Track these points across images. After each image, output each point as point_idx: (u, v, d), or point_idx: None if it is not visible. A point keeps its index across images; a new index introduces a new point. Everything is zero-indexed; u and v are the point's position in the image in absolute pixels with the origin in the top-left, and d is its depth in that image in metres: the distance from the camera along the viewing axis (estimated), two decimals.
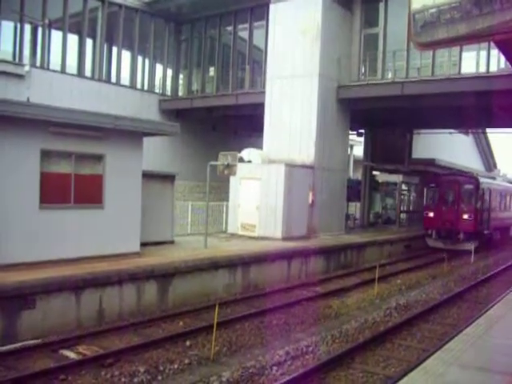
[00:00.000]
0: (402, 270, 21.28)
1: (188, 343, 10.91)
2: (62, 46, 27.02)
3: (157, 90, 32.67)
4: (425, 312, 13.86)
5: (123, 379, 8.90)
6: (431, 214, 27.95)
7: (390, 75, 24.75)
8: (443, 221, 27.29)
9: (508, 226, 35.79)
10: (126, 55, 30.94)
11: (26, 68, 24.62)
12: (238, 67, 30.38)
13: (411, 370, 7.62)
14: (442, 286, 17.96)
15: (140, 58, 31.83)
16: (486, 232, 28.79)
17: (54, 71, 26.51)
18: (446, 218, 27.21)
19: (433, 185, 28.82)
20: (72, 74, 27.46)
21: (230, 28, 30.97)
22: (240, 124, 32.64)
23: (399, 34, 23.53)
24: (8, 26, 26.15)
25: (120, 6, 29.42)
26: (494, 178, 35.77)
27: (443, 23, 3.28)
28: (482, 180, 28.69)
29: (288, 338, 11.59)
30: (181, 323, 12.48)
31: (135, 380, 8.92)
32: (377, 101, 24.28)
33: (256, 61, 29.56)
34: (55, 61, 26.91)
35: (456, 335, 9.46)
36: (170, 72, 33.34)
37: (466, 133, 45.77)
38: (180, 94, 33.52)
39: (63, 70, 26.99)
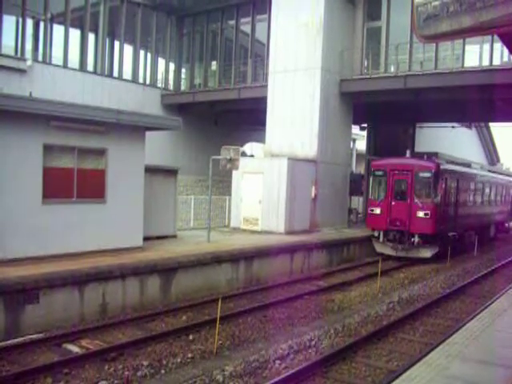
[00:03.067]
0: (405, 264, 21.26)
1: (191, 337, 10.93)
2: (64, 41, 27.01)
3: (159, 85, 32.65)
4: (427, 306, 13.86)
5: (126, 373, 8.88)
6: (377, 211, 22.05)
7: (392, 69, 24.66)
8: (392, 220, 21.73)
9: (487, 224, 30.59)
10: (128, 49, 30.92)
11: (29, 63, 24.64)
12: (240, 61, 30.31)
13: (414, 363, 7.63)
14: (444, 279, 17.96)
15: (142, 53, 31.81)
16: (451, 234, 22.65)
17: (56, 66, 26.50)
18: (396, 216, 21.63)
19: (379, 172, 22.48)
20: (74, 69, 27.46)
21: (232, 22, 30.92)
22: (242, 118, 32.61)
23: (402, 27, 23.46)
24: (10, 20, 26.13)
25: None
26: (469, 166, 28.51)
27: (446, 16, 3.26)
28: (444, 165, 22.76)
29: (291, 331, 11.61)
30: (184, 317, 12.49)
31: (138, 374, 8.94)
32: (379, 94, 24.22)
33: (258, 55, 29.51)
34: (57, 55, 26.90)
35: (459, 329, 9.46)
36: (172, 66, 33.31)
37: (469, 126, 45.67)
38: (182, 88, 33.50)
39: (65, 65, 26.98)
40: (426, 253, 21.38)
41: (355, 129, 32.97)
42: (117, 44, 30.43)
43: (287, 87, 23.72)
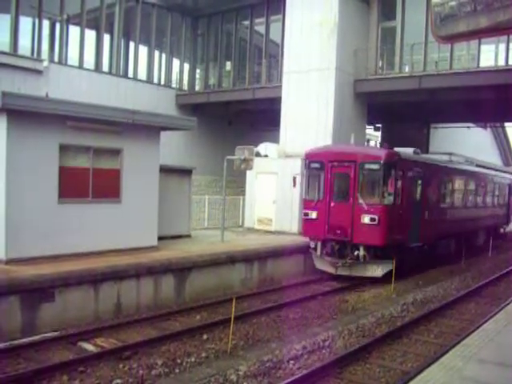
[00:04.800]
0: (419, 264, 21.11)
1: (205, 337, 10.97)
2: (80, 42, 27.20)
3: (173, 85, 32.76)
4: (442, 307, 13.79)
5: (141, 371, 8.95)
6: (313, 215, 17.37)
7: (407, 69, 24.54)
8: (331, 227, 16.92)
9: (473, 230, 25.38)
10: (143, 50, 31.06)
11: (45, 63, 24.83)
12: (254, 61, 30.33)
13: (429, 364, 7.59)
14: (459, 281, 17.84)
15: (157, 53, 31.94)
16: (413, 245, 18.11)
17: (71, 66, 26.69)
18: (336, 222, 16.81)
19: (315, 164, 17.80)
20: (90, 69, 27.63)
21: (246, 22, 30.95)
22: (257, 118, 32.62)
23: (417, 27, 23.35)
24: (27, 21, 26.35)
25: (137, 0, 29.53)
26: (449, 159, 24.22)
27: (463, 16, 3.26)
28: (401, 155, 17.60)
29: (305, 332, 11.60)
30: (198, 317, 12.54)
31: (153, 372, 8.99)
32: (394, 95, 24.11)
33: (272, 55, 29.50)
34: (73, 56, 27.09)
35: (474, 330, 9.40)
36: (186, 66, 33.41)
37: (484, 127, 45.30)
38: (197, 88, 33.58)
39: (81, 66, 27.16)
40: (376, 271, 16.74)
41: (369, 129, 32.84)
42: (132, 45, 30.59)
43: (301, 87, 23.69)
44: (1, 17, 25.72)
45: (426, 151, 31.90)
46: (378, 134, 34.54)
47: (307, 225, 17.89)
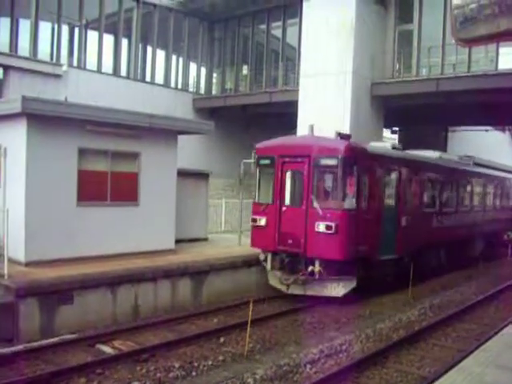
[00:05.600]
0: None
1: (222, 340, 10.98)
2: (98, 46, 27.44)
3: (191, 89, 32.92)
4: (460, 312, 13.67)
5: (158, 374, 9.00)
6: (262, 222, 14.76)
7: (424, 72, 24.42)
8: (282, 236, 14.30)
9: (468, 238, 22.04)
10: (161, 54, 31.27)
11: (64, 68, 25.10)
12: (271, 65, 30.38)
13: (448, 370, 7.54)
14: (477, 285, 17.68)
15: (174, 57, 32.11)
16: (385, 258, 15.27)
17: (90, 71, 26.94)
18: (287, 231, 14.23)
19: (265, 160, 15.12)
20: (108, 74, 27.89)
21: (263, 26, 31.00)
22: (273, 122, 32.63)
23: (434, 29, 23.24)
24: (46, 26, 26.67)
25: (155, 5, 29.73)
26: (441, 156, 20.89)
27: (484, 19, 3.24)
28: (366, 148, 15.11)
29: (322, 336, 11.57)
30: (215, 320, 12.56)
31: (170, 375, 9.02)
32: (411, 98, 24.00)
33: (289, 58, 29.54)
34: (92, 60, 27.34)
35: (493, 335, 9.32)
36: (203, 70, 33.56)
37: (503, 130, 44.92)
38: (214, 92, 33.70)
39: (99, 70, 27.41)
40: (335, 289, 14.09)
41: (386, 132, 32.71)
42: (149, 49, 30.83)
43: (318, 91, 23.67)
44: (21, 22, 26.04)
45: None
46: (395, 137, 34.35)
47: (255, 233, 15.14)
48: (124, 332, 11.30)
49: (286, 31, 29.53)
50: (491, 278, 19.26)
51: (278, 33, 30.09)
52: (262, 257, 15.04)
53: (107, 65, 28.15)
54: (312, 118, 23.66)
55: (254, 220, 15.07)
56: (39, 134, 12.48)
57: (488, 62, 22.29)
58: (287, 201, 14.63)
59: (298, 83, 25.31)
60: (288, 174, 14.60)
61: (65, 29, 27.16)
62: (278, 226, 14.38)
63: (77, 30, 27.17)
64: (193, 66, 33.35)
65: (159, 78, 31.07)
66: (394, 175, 16.15)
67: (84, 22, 26.38)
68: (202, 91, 33.38)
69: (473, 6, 3.30)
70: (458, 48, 21.84)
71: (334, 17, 23.22)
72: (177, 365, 9.43)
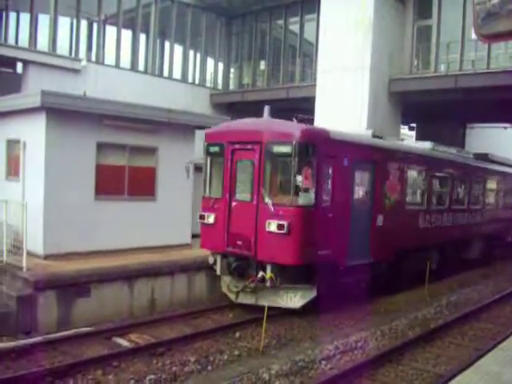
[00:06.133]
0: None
1: (237, 335, 11.03)
2: (117, 41, 27.55)
3: (208, 84, 32.92)
4: (477, 310, 13.58)
5: (174, 368, 9.07)
6: (210, 219, 12.80)
7: (443, 68, 24.20)
8: (231, 235, 12.44)
9: (464, 239, 19.97)
10: (178, 49, 31.30)
11: (83, 63, 25.24)
12: (288, 61, 30.31)
13: (465, 368, 7.50)
14: (494, 284, 17.54)
15: (191, 52, 32.11)
16: (355, 263, 13.33)
17: (108, 66, 27.04)
18: (237, 230, 12.36)
19: (215, 147, 13.06)
20: (126, 69, 27.97)
21: (280, 22, 30.91)
22: (290, 117, 32.58)
23: (453, 25, 23.00)
24: (65, 21, 26.84)
25: (172, 0, 29.77)
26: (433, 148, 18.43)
27: (505, 14, 3.20)
28: (333, 135, 12.71)
29: (337, 332, 11.57)
30: (230, 315, 12.61)
31: (186, 369, 9.09)
32: (429, 94, 23.80)
33: (307, 54, 29.43)
34: (110, 55, 27.47)
35: (510, 335, 9.25)
36: (221, 66, 33.55)
37: None
38: (231, 87, 33.68)
39: (117, 65, 27.51)
40: (292, 300, 12.35)
41: (404, 129, 32.50)
42: (167, 44, 30.89)
43: (335, 87, 23.56)
44: (40, 17, 26.21)
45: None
46: (413, 133, 34.12)
47: (204, 232, 13.20)
48: (140, 325, 11.41)
49: (303, 27, 29.39)
50: (508, 277, 19.11)
51: (295, 28, 29.97)
52: (211, 260, 13.03)
53: (125, 60, 28.25)
54: (329, 114, 23.67)
55: (202, 217, 12.98)
56: (58, 128, 12.61)
57: (508, 59, 22.02)
58: (237, 195, 12.48)
59: (315, 79, 25.21)
60: (239, 164, 12.50)
61: (83, 24, 27.29)
62: (228, 225, 12.39)
63: (95, 25, 27.29)
64: (210, 61, 33.35)
65: (177, 73, 31.12)
66: (367, 167, 13.99)
67: (103, 17, 26.49)
68: (220, 86, 33.38)
69: (495, 1, 3.28)
70: (477, 44, 21.63)
71: (352, 12, 23.09)
72: (192, 359, 9.50)
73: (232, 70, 33.98)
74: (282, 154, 11.80)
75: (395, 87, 24.04)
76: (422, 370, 9.38)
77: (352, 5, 23.10)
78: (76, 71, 24.91)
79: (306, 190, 11.65)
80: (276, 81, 30.59)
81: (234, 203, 12.43)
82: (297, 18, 29.62)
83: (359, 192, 14.00)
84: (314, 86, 24.75)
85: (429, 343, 10.87)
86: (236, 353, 9.99)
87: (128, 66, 28.33)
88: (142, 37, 29.37)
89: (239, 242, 12.20)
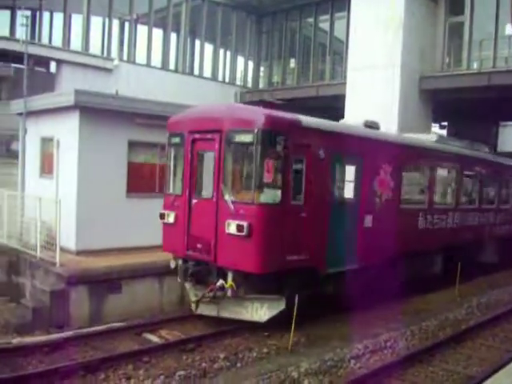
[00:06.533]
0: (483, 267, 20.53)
1: (266, 333, 11.05)
2: (148, 41, 27.85)
3: (238, 82, 33.07)
4: (508, 312, 13.38)
5: (203, 364, 9.15)
6: (171, 219, 11.48)
7: (475, 65, 23.86)
8: (191, 237, 11.07)
9: (466, 241, 17.38)
10: (209, 48, 31.53)
11: (115, 62, 25.62)
12: (318, 59, 30.24)
13: (496, 370, 7.41)
14: None
15: (222, 51, 32.32)
16: (334, 270, 11.68)
17: (139, 65, 27.39)
18: (198, 231, 10.95)
19: (176, 138, 11.64)
20: (157, 68, 28.27)
21: (310, 19, 30.88)
22: (320, 116, 32.49)
23: (486, 22, 22.67)
24: (97, 21, 27.25)
25: None
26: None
27: None
28: (305, 122, 11.04)
29: (366, 331, 11.49)
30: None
31: (215, 366, 9.16)
32: (461, 92, 23.49)
33: (337, 52, 29.34)
34: (141, 54, 27.79)
35: None
36: (250, 64, 33.66)
37: None
38: (261, 85, 33.78)
39: (148, 64, 27.84)
40: (257, 313, 10.80)
41: (435, 127, 32.13)
42: (197, 43, 31.14)
43: (366, 84, 23.42)
44: (73, 17, 26.65)
45: (495, 150, 30.91)
46: (444, 132, 33.71)
47: (165, 233, 11.87)
48: (170, 322, 11.52)
49: (333, 24, 29.31)
50: None
51: (325, 26, 29.91)
52: (172, 264, 11.59)
53: (156, 59, 28.56)
54: (359, 112, 23.50)
55: (162, 216, 11.71)
56: (91, 127, 12.82)
57: None
58: (198, 191, 11.15)
59: (345, 77, 25.12)
60: (199, 156, 11.18)
61: (115, 23, 27.71)
62: (188, 225, 11.05)
63: (127, 25, 27.68)
64: (240, 60, 33.49)
65: (207, 71, 31.35)
66: (353, 160, 12.44)
67: (134, 16, 26.81)
68: (250, 84, 33.50)
69: None
70: (510, 41, 21.31)
71: (382, 10, 22.93)
72: (222, 355, 9.57)
73: (262, 69, 34.07)
74: (243, 144, 10.31)
75: (426, 85, 23.79)
76: (452, 371, 9.29)
77: (382, 2, 22.95)
78: (108, 70, 25.29)
79: (270, 186, 10.15)
80: (306, 79, 30.59)
81: (194, 201, 11.01)
82: (327, 16, 29.56)
83: (341, 189, 12.53)
84: (344, 83, 24.66)
85: (460, 344, 10.75)
86: (265, 350, 10.03)
87: (159, 64, 28.64)
88: (173, 36, 29.68)
89: (199, 245, 10.76)
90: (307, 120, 11.17)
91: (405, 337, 10.93)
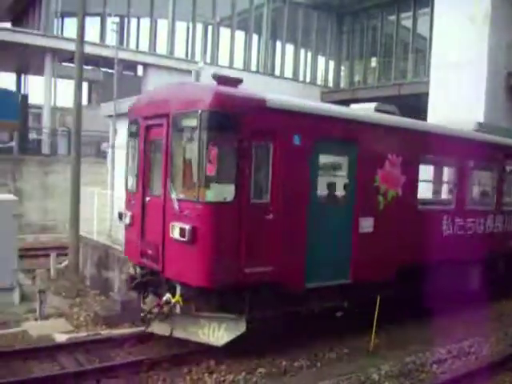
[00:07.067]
0: None
1: (347, 333, 11.06)
2: (230, 43, 28.40)
3: (319, 82, 33.10)
4: None
5: (284, 363, 9.29)
6: (127, 219, 10.19)
7: None
8: (145, 241, 9.60)
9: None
10: (289, 48, 31.76)
11: (200, 64, 26.27)
12: (400, 57, 29.78)
13: None
14: None
15: (302, 51, 32.44)
16: (316, 285, 9.61)
17: (222, 66, 27.97)
18: (149, 234, 9.52)
19: (133, 126, 10.24)
20: (239, 69, 28.77)
21: (392, 17, 30.49)
22: (403, 115, 32.00)
23: None
24: (182, 25, 28.07)
25: (284, 0, 30.18)
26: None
27: None
28: (271, 102, 8.94)
29: (449, 336, 11.29)
30: (338, 314, 12.63)
31: (295, 364, 9.28)
32: None
33: (419, 50, 28.79)
34: (223, 56, 28.38)
35: None
36: (331, 64, 33.59)
37: None
38: (342, 85, 33.66)
39: (231, 65, 28.39)
40: (215, 334, 8.85)
41: None
42: (278, 44, 31.45)
43: (450, 82, 22.83)
44: (159, 22, 27.58)
45: None
46: None
47: (126, 235, 10.73)
48: None
49: (416, 21, 28.80)
50: None
51: (407, 23, 29.45)
52: (131, 270, 10.38)
53: (238, 60, 29.07)
54: (443, 110, 22.98)
55: (120, 216, 10.69)
56: None
57: None
58: (151, 188, 9.62)
59: (428, 75, 24.62)
60: (152, 146, 9.67)
61: (199, 27, 28.42)
62: (142, 227, 9.63)
63: (210, 28, 28.33)
64: (321, 60, 33.52)
65: (288, 71, 31.59)
66: (344, 149, 10.16)
67: (217, 19, 27.43)
68: (331, 84, 33.44)
69: None
70: None
71: (467, 4, 22.31)
72: (302, 355, 9.67)
73: (343, 68, 33.94)
74: (189, 130, 8.52)
75: None
76: None
77: None
78: (192, 73, 25.94)
79: (221, 181, 8.28)
80: (387, 78, 30.19)
81: (147, 198, 9.55)
82: (409, 13, 29.10)
83: (327, 184, 10.32)
84: (427, 82, 24.21)
85: None
86: (345, 351, 10.06)
87: (241, 66, 29.11)
88: (255, 37, 30.07)
89: (150, 251, 9.33)
90: (275, 99, 9.16)
91: (489, 343, 10.66)
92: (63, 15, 27.75)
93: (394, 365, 9.08)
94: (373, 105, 11.77)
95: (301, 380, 8.77)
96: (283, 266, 8.87)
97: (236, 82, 9.07)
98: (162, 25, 27.26)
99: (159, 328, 9.43)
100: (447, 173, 14.34)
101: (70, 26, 26.88)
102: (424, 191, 12.99)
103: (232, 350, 9.69)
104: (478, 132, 14.01)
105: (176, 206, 8.58)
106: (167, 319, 9.04)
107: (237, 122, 8.29)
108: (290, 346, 10.18)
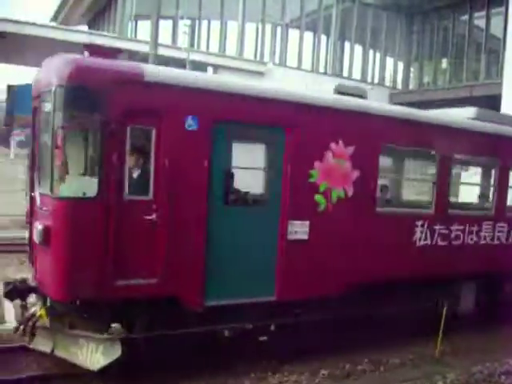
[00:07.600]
0: None
1: (411, 339, 10.99)
2: (299, 44, 28.50)
3: (387, 83, 32.74)
4: None
5: (347, 366, 9.30)
6: (27, 218, 8.33)
7: None
8: (32, 243, 7.87)
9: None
10: (358, 49, 31.56)
11: (269, 65, 26.56)
12: (472, 58, 29.05)
13: None
14: None
15: (371, 52, 32.16)
16: (225, 302, 7.63)
17: (290, 68, 28.11)
18: (32, 239, 7.61)
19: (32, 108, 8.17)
20: (307, 70, 28.83)
21: (464, 17, 29.79)
22: None
23: None
24: (251, 27, 28.38)
25: (353, 1, 30.02)
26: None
27: None
28: (154, 75, 6.92)
29: None
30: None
31: (358, 368, 9.20)
32: None
33: (492, 50, 28.00)
34: (292, 58, 28.52)
35: None
36: (400, 65, 33.16)
37: None
38: (411, 86, 33.16)
39: (299, 67, 28.49)
40: (93, 356, 7.04)
41: None
42: (347, 44, 31.31)
43: None
44: (229, 24, 28.01)
45: None
46: None
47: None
48: None
49: (489, 21, 28.02)
50: None
51: (480, 23, 28.70)
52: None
53: (306, 61, 29.13)
54: None
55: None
56: None
57: None
58: (37, 182, 7.91)
59: (501, 76, 23.91)
60: (38, 132, 8.01)
61: (268, 28, 28.65)
62: (32, 226, 7.97)
63: (279, 29, 28.52)
64: (389, 61, 33.13)
65: (356, 73, 31.40)
66: (264, 134, 8.09)
67: (286, 20, 27.62)
68: (399, 86, 33.00)
69: None
70: None
71: None
72: (365, 359, 9.68)
73: (412, 69, 33.44)
74: (49, 111, 7.01)
75: None
76: None
77: None
78: (261, 74, 26.28)
79: (75, 172, 6.86)
80: (458, 79, 29.51)
81: (32, 194, 8.08)
82: (482, 13, 28.39)
83: (239, 178, 8.12)
84: (501, 83, 23.52)
85: None
86: (410, 357, 9.99)
87: (309, 67, 29.17)
88: (323, 38, 30.07)
89: (31, 255, 8.15)
90: (157, 71, 7.30)
91: None
92: (136, 18, 28.64)
93: (459, 373, 8.96)
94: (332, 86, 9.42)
95: None
96: (173, 279, 7.19)
97: (114, 52, 7.44)
98: (232, 26, 27.68)
99: (42, 344, 7.63)
100: (428, 169, 11.79)
101: (143, 29, 27.79)
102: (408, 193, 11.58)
103: (294, 352, 9.85)
104: (475, 121, 10.72)
105: (38, 202, 7.41)
106: (51, 334, 7.48)
107: (102, 99, 6.59)
108: (351, 349, 10.22)
